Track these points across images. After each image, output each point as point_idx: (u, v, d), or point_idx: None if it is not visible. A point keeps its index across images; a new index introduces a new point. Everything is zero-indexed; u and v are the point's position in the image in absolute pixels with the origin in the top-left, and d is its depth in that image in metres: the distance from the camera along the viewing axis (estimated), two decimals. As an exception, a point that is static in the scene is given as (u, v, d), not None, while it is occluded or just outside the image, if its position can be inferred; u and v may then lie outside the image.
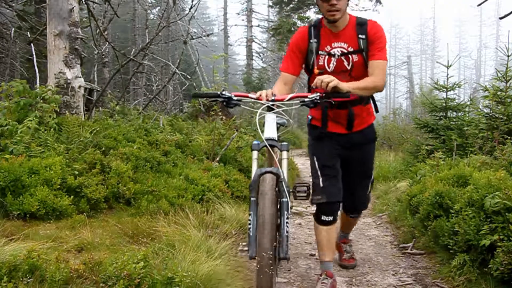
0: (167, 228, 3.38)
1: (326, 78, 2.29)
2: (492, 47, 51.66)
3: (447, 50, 7.61)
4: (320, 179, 2.70)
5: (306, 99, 2.30)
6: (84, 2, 8.10)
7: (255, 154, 2.15)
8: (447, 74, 7.32)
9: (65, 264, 2.43)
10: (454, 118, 7.31)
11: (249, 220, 1.98)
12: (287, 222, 1.98)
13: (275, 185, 1.98)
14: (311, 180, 2.84)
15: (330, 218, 2.73)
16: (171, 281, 2.33)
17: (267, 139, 2.10)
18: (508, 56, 6.05)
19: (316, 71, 2.56)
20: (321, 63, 2.58)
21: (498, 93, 6.02)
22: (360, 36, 2.48)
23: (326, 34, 2.56)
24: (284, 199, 1.99)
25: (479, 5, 6.57)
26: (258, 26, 25.15)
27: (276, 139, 2.12)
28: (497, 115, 6.02)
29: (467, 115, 7.36)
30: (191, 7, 10.25)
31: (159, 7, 23.12)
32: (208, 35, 15.82)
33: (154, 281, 2.33)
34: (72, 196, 3.92)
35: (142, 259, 2.42)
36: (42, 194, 3.69)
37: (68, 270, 2.39)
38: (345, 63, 2.55)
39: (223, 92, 2.28)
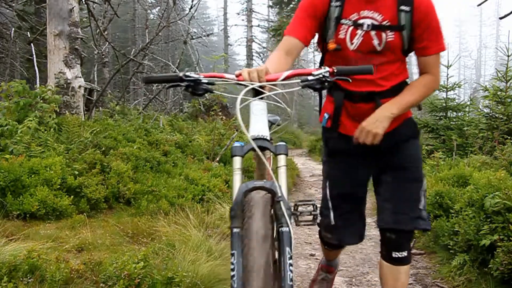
0: (167, 228, 3.38)
1: (369, 126, 1.73)
2: (492, 47, 51.70)
3: (447, 50, 7.62)
4: (331, 214, 2.00)
5: (310, 77, 1.55)
6: (84, 2, 8.11)
7: (237, 161, 1.43)
8: (447, 74, 7.33)
9: (65, 264, 2.43)
10: (454, 118, 7.33)
11: (232, 264, 1.24)
12: (290, 264, 1.26)
13: (270, 208, 1.32)
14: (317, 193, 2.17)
15: (339, 247, 2.24)
16: (171, 281, 2.33)
17: (255, 139, 1.42)
18: (508, 56, 6.06)
19: (331, 46, 1.80)
20: (341, 36, 1.80)
21: (498, 93, 6.03)
22: (402, 7, 1.74)
23: None
24: (285, 229, 1.29)
25: (479, 5, 6.57)
26: (258, 26, 25.16)
27: (268, 138, 1.45)
28: (497, 115, 6.03)
29: (467, 115, 7.38)
30: (191, 7, 10.27)
31: (159, 7, 23.11)
32: (208, 35, 15.84)
33: (154, 281, 2.33)
34: (72, 196, 3.92)
35: (142, 259, 2.42)
36: (42, 194, 3.69)
37: (68, 270, 2.39)
38: (375, 41, 1.78)
39: (187, 74, 1.55)
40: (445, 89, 7.37)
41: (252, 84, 1.50)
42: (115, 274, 2.32)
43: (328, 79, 1.55)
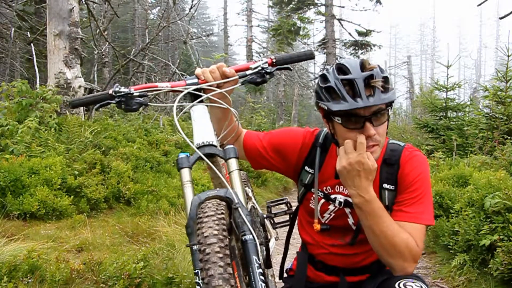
0: (167, 228, 3.38)
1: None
2: (492, 47, 51.74)
3: (447, 50, 7.63)
4: None
5: (248, 72, 1.42)
6: (84, 2, 8.11)
7: (185, 174, 1.31)
8: (447, 74, 7.34)
9: (65, 264, 2.44)
10: (454, 118, 7.34)
11: (198, 284, 1.01)
12: (260, 273, 1.06)
13: (228, 217, 1.18)
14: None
15: None
16: (171, 281, 2.33)
17: (200, 147, 1.31)
18: (508, 56, 6.06)
19: (316, 226, 1.56)
20: (312, 205, 1.59)
21: (498, 93, 6.04)
22: (385, 186, 1.48)
23: (331, 166, 1.54)
24: (248, 236, 1.13)
25: (479, 5, 6.58)
26: (258, 26, 25.18)
27: (215, 143, 1.33)
28: (497, 115, 6.03)
29: (467, 115, 7.39)
30: (191, 7, 10.27)
31: (159, 7, 23.13)
32: (208, 35, 15.84)
33: (154, 281, 2.33)
34: (72, 196, 3.92)
35: (142, 259, 2.42)
36: (42, 194, 3.69)
37: (68, 270, 2.39)
38: (350, 219, 1.55)
39: (117, 89, 1.40)
40: (445, 89, 7.37)
41: (186, 88, 1.38)
42: (115, 274, 2.32)
43: (268, 70, 1.42)
